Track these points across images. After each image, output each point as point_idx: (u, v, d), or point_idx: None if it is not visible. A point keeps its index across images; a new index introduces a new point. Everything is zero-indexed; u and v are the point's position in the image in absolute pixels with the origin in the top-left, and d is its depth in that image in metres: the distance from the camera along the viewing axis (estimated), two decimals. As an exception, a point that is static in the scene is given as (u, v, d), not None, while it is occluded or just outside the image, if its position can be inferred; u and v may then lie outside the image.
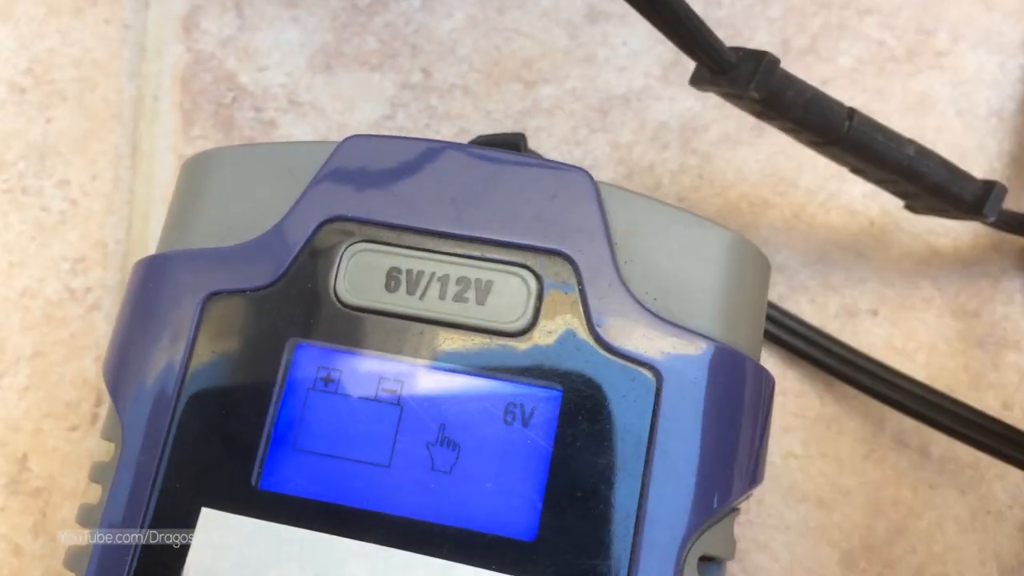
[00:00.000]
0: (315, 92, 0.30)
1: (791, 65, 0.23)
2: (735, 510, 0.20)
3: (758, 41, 0.30)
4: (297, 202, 0.20)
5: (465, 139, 0.27)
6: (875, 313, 0.28)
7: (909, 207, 0.26)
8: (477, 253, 0.20)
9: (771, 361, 0.27)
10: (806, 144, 0.24)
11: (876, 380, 0.26)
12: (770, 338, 0.27)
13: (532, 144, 0.29)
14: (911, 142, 0.24)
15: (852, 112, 0.23)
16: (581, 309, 0.19)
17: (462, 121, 0.30)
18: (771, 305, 0.27)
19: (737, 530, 0.26)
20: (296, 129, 0.30)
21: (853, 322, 0.28)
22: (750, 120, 0.29)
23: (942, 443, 0.27)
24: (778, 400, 0.27)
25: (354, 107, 0.30)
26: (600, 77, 0.30)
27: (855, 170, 0.25)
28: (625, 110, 0.30)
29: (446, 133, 0.30)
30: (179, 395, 0.19)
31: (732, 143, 0.29)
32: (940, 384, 0.27)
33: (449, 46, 0.31)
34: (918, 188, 0.24)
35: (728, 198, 0.29)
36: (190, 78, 0.30)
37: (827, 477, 0.27)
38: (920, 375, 0.27)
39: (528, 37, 0.30)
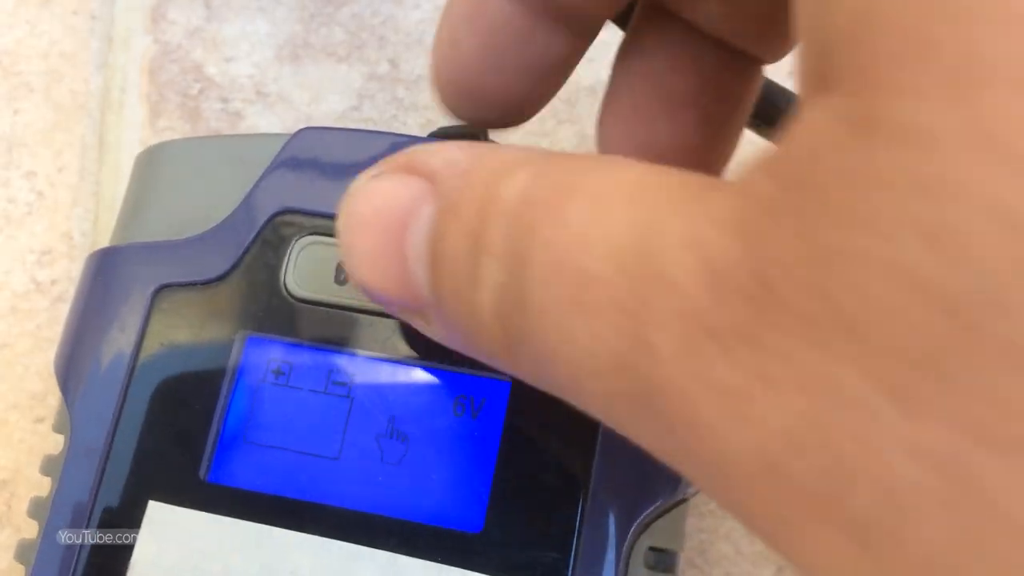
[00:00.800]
0: (282, 83, 0.30)
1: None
2: (684, 501, 0.20)
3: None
4: (249, 194, 0.20)
5: (431, 130, 0.27)
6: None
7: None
8: (427, 245, 0.20)
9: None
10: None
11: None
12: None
13: (499, 136, 0.29)
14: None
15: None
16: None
17: (429, 112, 0.30)
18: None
19: (700, 521, 0.26)
20: (263, 120, 0.30)
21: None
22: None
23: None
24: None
25: (321, 98, 0.30)
26: (568, 68, 0.30)
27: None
28: (592, 101, 0.30)
29: (413, 124, 0.30)
30: (127, 387, 0.19)
31: (699, 134, 0.29)
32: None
33: (416, 37, 0.30)
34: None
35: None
36: (157, 69, 0.30)
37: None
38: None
39: (496, 28, 0.30)
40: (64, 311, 0.28)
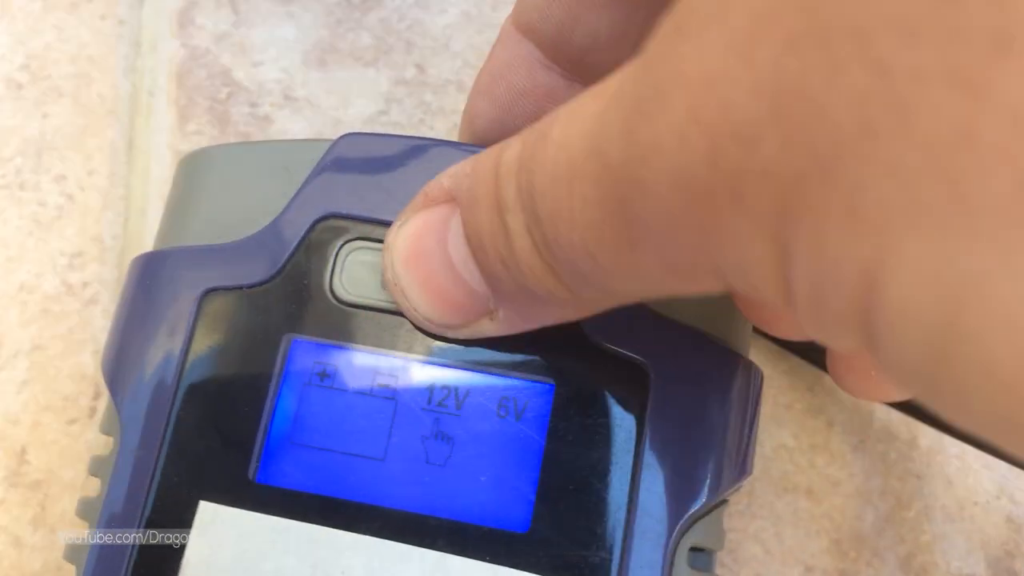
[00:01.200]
0: (310, 87, 0.30)
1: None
2: (724, 502, 0.20)
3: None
4: (293, 199, 0.20)
5: (458, 134, 0.27)
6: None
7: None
8: (470, 249, 0.20)
9: (761, 355, 0.28)
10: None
11: (865, 373, 0.27)
12: (761, 332, 0.27)
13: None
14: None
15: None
16: (573, 305, 0.20)
17: (456, 117, 0.30)
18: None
19: (728, 521, 0.26)
20: (291, 124, 0.30)
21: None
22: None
23: (930, 435, 0.27)
24: (768, 392, 0.27)
25: (349, 103, 0.30)
26: (593, 72, 0.30)
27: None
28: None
29: (440, 128, 0.30)
30: (177, 389, 0.19)
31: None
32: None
33: (443, 42, 0.31)
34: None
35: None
36: (185, 74, 0.31)
37: (817, 468, 0.27)
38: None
39: (522, 32, 0.31)
40: (96, 314, 0.28)
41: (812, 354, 0.27)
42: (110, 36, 0.31)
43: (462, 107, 0.30)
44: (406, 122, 0.30)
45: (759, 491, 0.27)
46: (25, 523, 0.27)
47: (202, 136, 0.30)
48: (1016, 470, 0.26)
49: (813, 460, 0.27)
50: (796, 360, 0.27)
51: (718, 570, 0.26)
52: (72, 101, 0.31)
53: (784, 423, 0.27)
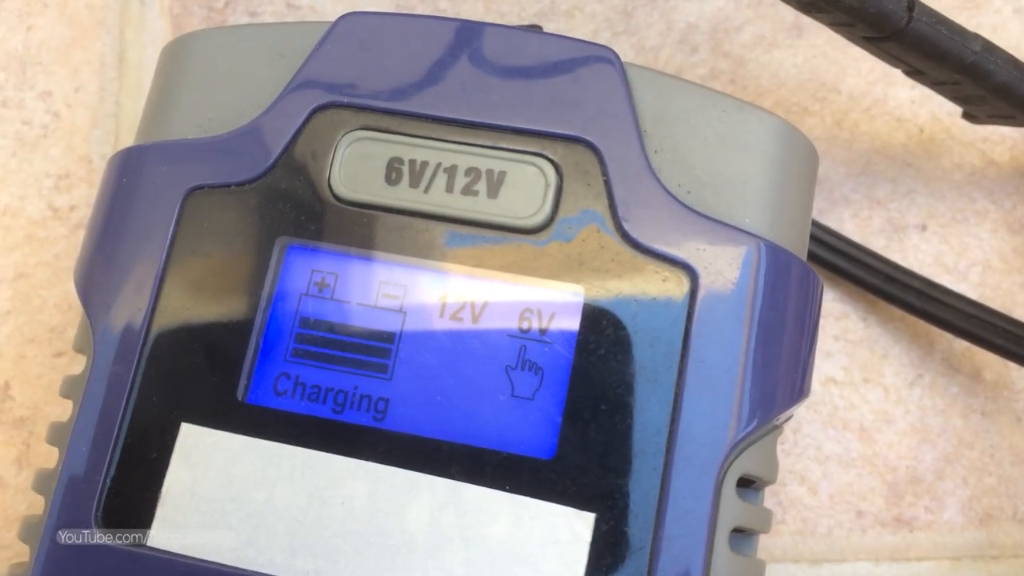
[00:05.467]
0: (314, -5, 0.28)
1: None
2: (778, 427, 0.17)
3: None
4: (287, 87, 0.18)
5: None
6: (924, 228, 0.26)
7: (968, 116, 0.24)
8: (488, 141, 0.18)
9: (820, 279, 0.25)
10: (857, 42, 0.22)
11: (925, 299, 0.24)
12: (809, 255, 0.25)
13: (562, 30, 0.27)
14: (977, 36, 0.21)
15: (912, 2, 0.21)
16: (606, 202, 0.17)
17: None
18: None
19: (773, 460, 0.24)
20: (294, 35, 0.28)
21: (900, 238, 0.25)
22: (787, 19, 0.27)
23: (996, 367, 0.25)
24: (817, 322, 0.25)
25: (357, 8, 0.28)
26: (623, -24, 0.28)
27: (911, 71, 0.22)
28: (651, 10, 0.27)
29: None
30: (156, 300, 0.17)
31: (767, 45, 0.27)
32: (995, 303, 0.25)
33: (459, -56, 0.28)
34: (984, 90, 0.22)
35: (764, 105, 0.26)
36: (180, -19, 0.28)
37: (870, 405, 0.24)
38: (973, 294, 0.25)
39: (544, -66, 0.28)
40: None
41: (866, 279, 0.24)
42: (99, -58, 0.29)
43: (480, 13, 0.28)
44: (418, 31, 0.27)
45: (805, 429, 0.24)
46: (8, 463, 0.25)
47: (197, 48, 0.28)
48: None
49: (866, 396, 0.24)
50: (848, 286, 0.25)
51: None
52: (58, 12, 0.28)
53: (833, 355, 0.25)
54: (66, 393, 0.18)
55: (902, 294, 0.24)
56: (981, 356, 0.25)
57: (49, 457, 0.25)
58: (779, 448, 0.24)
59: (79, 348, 0.18)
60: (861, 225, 0.26)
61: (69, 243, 0.27)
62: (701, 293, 0.17)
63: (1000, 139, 0.26)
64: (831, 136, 0.26)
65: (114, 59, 0.28)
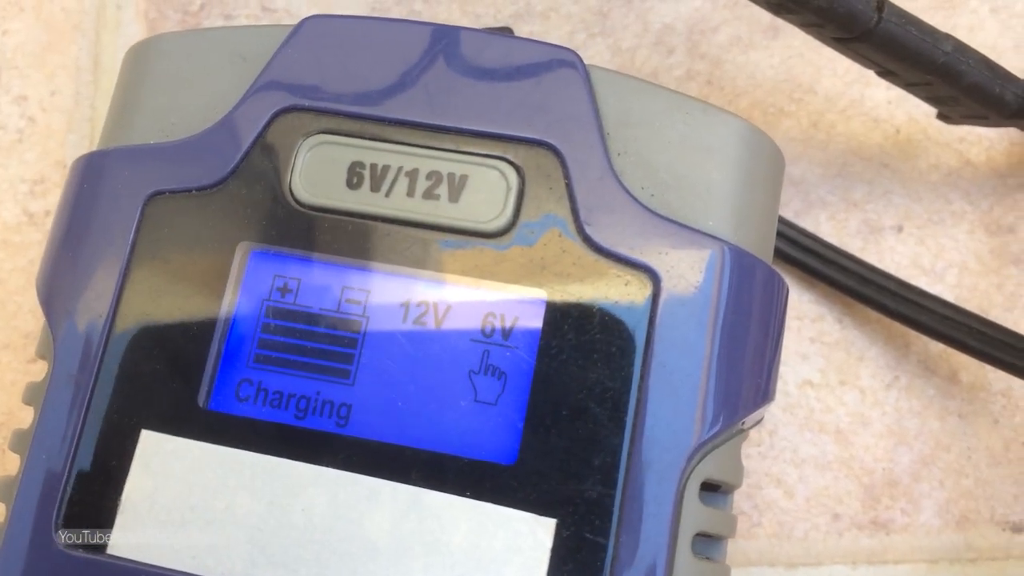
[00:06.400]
0: (290, -2, 0.28)
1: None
2: (743, 431, 0.17)
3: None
4: (249, 91, 0.18)
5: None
6: (900, 229, 0.25)
7: (942, 117, 0.24)
8: (450, 145, 0.18)
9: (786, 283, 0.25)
10: (828, 43, 0.22)
11: (900, 301, 0.24)
12: (785, 258, 0.25)
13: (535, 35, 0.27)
14: (948, 37, 0.21)
15: (882, 2, 0.21)
16: (568, 205, 0.17)
17: (449, 26, 0.27)
18: (785, 222, 0.25)
19: (747, 463, 0.24)
20: (269, 38, 0.27)
21: (876, 239, 0.25)
22: (763, 21, 0.27)
23: (972, 369, 0.24)
24: (793, 325, 0.25)
25: (333, 12, 0.27)
26: (599, -22, 0.27)
27: (883, 72, 0.22)
28: (627, 12, 0.27)
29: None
30: (117, 305, 0.17)
31: (744, 46, 0.27)
32: (971, 305, 0.24)
33: (435, -54, 0.28)
34: (956, 90, 0.22)
35: (740, 107, 0.26)
36: (155, -16, 0.28)
37: (847, 407, 0.24)
38: (950, 296, 0.25)
39: (521, -65, 0.28)
40: (58, 244, 0.26)
41: (841, 281, 0.24)
42: (74, -54, 0.29)
43: (455, 15, 0.27)
44: (394, 34, 0.27)
45: (782, 431, 0.24)
46: (-18, 468, 0.25)
47: (172, 51, 0.27)
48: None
49: (842, 398, 0.24)
50: (824, 288, 0.25)
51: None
52: (34, 16, 0.28)
53: (810, 358, 0.25)
54: (28, 400, 0.18)
55: (878, 296, 0.24)
56: (957, 358, 0.24)
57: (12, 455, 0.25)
58: (755, 451, 0.24)
59: (41, 354, 0.18)
60: (838, 227, 0.25)
61: (43, 249, 0.26)
62: (663, 297, 0.17)
63: (977, 139, 0.26)
64: (807, 137, 0.26)
65: (90, 63, 0.28)
